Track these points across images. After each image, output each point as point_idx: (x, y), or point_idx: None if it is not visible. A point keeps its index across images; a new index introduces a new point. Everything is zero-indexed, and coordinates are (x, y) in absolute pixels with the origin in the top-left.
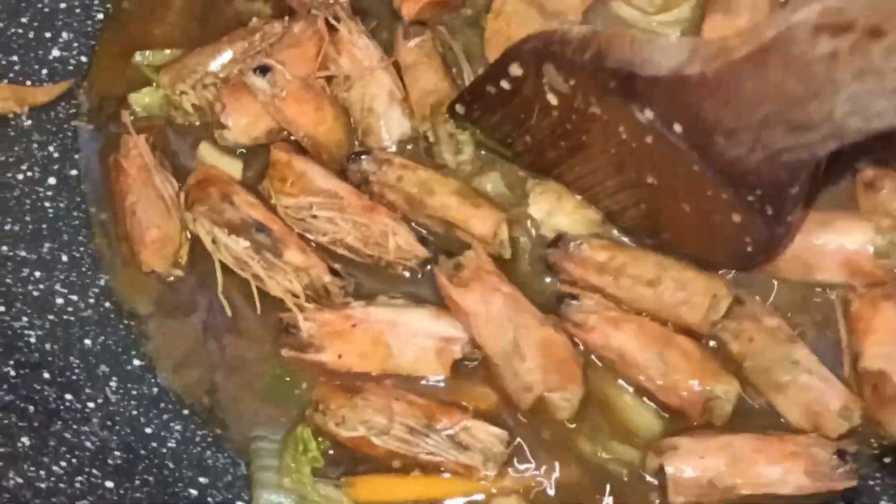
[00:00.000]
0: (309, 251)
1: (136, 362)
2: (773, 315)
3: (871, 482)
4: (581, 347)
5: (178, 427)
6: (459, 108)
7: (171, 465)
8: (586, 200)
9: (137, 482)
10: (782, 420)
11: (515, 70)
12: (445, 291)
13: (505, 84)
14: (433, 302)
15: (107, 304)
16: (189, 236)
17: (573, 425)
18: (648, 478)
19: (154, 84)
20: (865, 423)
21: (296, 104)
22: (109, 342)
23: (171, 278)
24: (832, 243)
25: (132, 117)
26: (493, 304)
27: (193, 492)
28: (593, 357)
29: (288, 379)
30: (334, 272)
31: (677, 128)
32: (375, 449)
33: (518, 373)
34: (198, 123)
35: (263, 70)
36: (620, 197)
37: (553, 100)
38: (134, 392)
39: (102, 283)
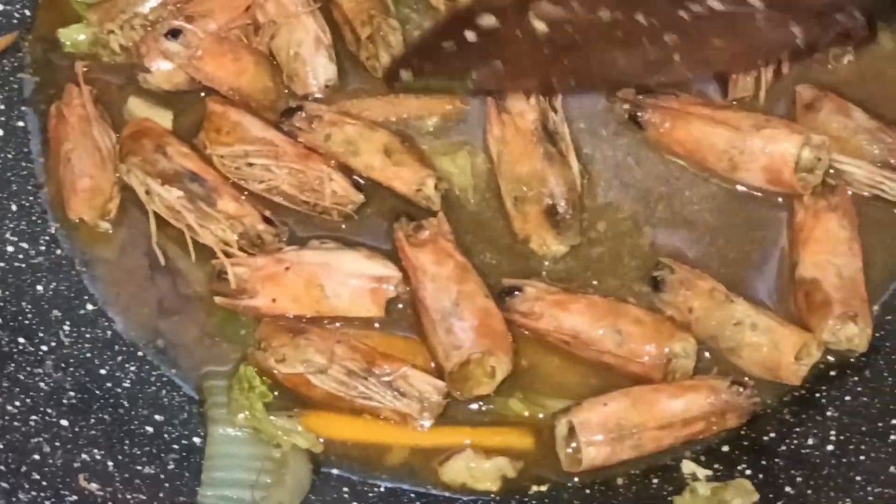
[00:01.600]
0: (242, 200)
1: (89, 307)
2: (704, 277)
3: (817, 394)
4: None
5: (132, 368)
6: (405, 75)
7: (126, 404)
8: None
9: (93, 420)
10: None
11: (487, 20)
12: (400, 245)
13: (470, 35)
14: (366, 247)
15: (58, 252)
16: (118, 191)
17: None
18: (562, 453)
19: (84, 21)
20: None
21: (212, 59)
22: (62, 287)
23: (100, 230)
24: (759, 145)
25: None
26: (443, 266)
27: (149, 429)
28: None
29: (238, 319)
30: (268, 220)
31: None
32: (313, 389)
33: (452, 329)
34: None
35: (174, 33)
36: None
37: (542, 27)
38: (87, 335)
39: (53, 230)
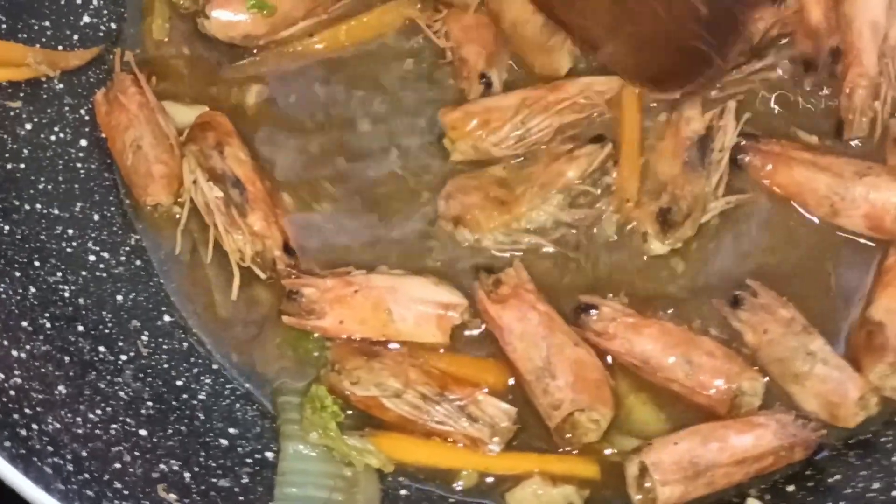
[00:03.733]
0: (273, 223)
1: (167, 318)
2: (788, 307)
3: (882, 439)
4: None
5: (208, 381)
6: None
7: (201, 417)
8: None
9: (170, 431)
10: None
11: None
12: (483, 306)
13: None
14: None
15: (137, 263)
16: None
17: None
18: (634, 494)
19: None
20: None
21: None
22: (140, 298)
23: (176, 216)
24: (862, 193)
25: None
26: (528, 322)
27: (224, 441)
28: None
29: (310, 338)
30: (288, 249)
31: None
32: (386, 412)
33: (548, 390)
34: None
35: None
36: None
37: None
38: (165, 346)
39: (133, 241)
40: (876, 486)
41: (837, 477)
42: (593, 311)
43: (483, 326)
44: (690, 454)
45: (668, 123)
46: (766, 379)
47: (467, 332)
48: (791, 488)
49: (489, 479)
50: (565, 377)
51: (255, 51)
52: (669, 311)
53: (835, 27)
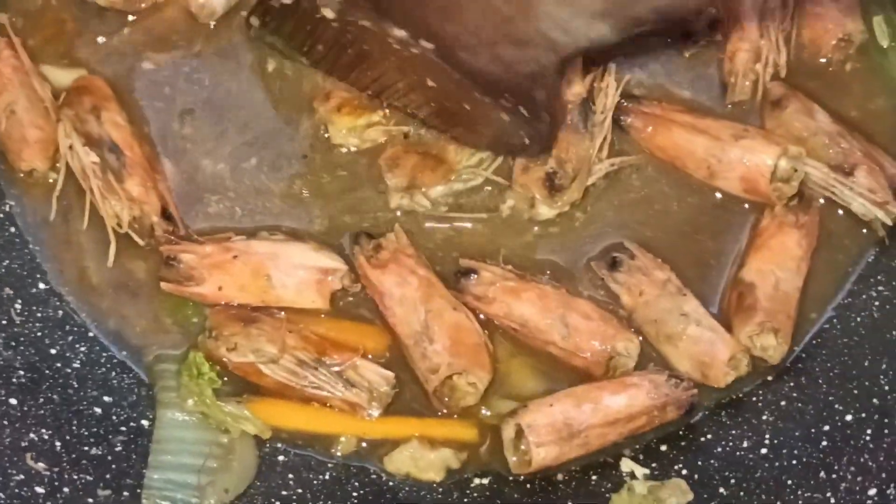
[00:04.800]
0: (150, 188)
1: (41, 286)
2: (663, 268)
3: (753, 398)
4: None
5: (83, 349)
6: (254, 21)
7: (75, 385)
8: (384, 101)
9: (41, 400)
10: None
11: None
12: (363, 270)
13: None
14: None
15: (11, 230)
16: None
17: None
18: (511, 456)
19: None
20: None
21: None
22: (14, 266)
23: (51, 181)
24: (738, 155)
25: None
26: (407, 286)
27: (98, 410)
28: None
29: (189, 305)
30: (166, 215)
31: (426, 44)
32: (263, 378)
33: (426, 354)
34: None
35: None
36: (412, 97)
37: (329, 13)
38: (39, 314)
39: (7, 208)
40: (745, 444)
41: (709, 436)
42: (473, 276)
43: (362, 290)
44: (565, 416)
45: None
46: (641, 340)
47: (350, 298)
48: (664, 448)
49: (367, 444)
50: (443, 341)
51: (132, 15)
52: (550, 274)
53: None
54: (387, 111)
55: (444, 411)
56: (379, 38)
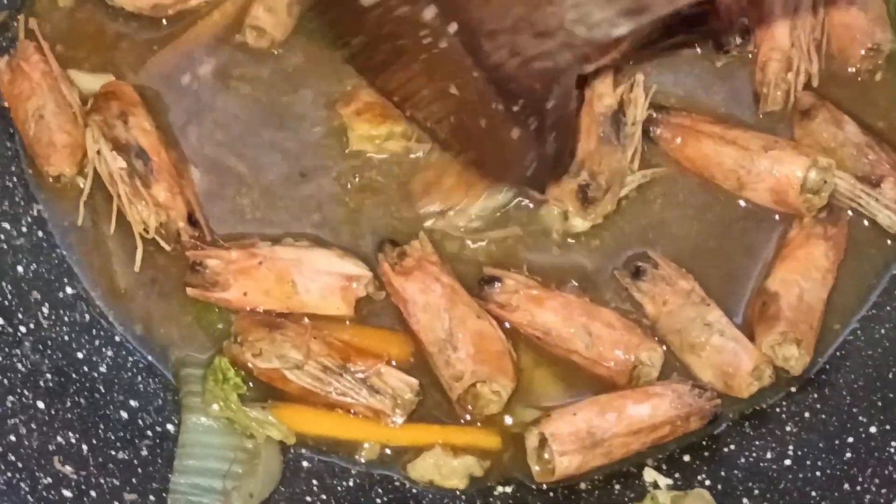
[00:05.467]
0: (177, 194)
1: (69, 290)
2: (687, 278)
3: (777, 409)
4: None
5: (109, 353)
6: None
7: (102, 389)
8: (409, 112)
9: (69, 404)
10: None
11: None
12: (387, 278)
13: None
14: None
15: (39, 234)
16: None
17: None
18: (534, 465)
19: None
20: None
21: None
22: (42, 270)
23: (80, 186)
24: (767, 166)
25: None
26: (431, 294)
27: (124, 414)
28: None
29: (214, 311)
30: (192, 221)
31: (453, 27)
32: (288, 384)
33: (450, 361)
34: None
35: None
36: (434, 108)
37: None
38: (66, 318)
39: (35, 212)
40: (769, 455)
41: (732, 447)
42: (497, 283)
43: (386, 297)
44: (588, 424)
45: (581, 101)
46: (665, 349)
47: (371, 305)
48: (687, 458)
49: (391, 451)
50: (467, 349)
51: (163, 21)
52: (574, 283)
53: (746, 6)
54: (407, 127)
55: (468, 419)
56: (412, 30)
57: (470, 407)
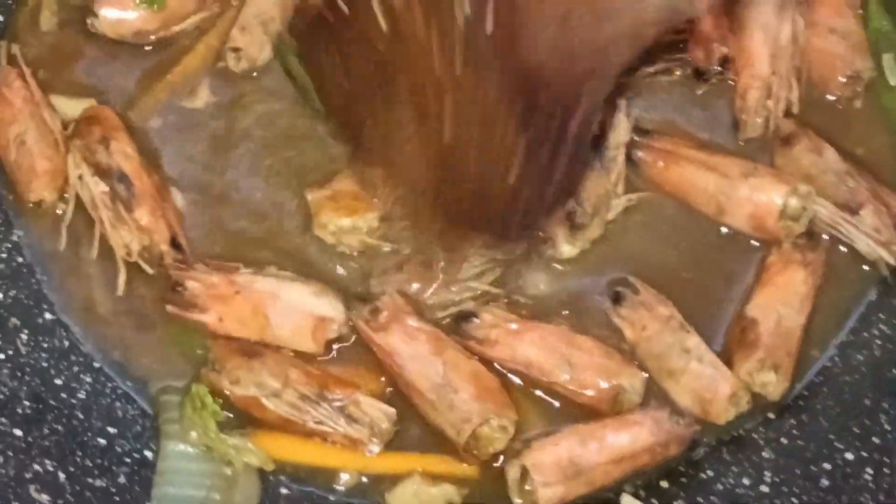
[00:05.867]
0: (160, 217)
1: (48, 316)
2: (666, 304)
3: (754, 435)
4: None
5: (88, 379)
6: (298, 22)
7: (80, 416)
8: (389, 183)
9: (46, 431)
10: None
11: None
12: (366, 335)
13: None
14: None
15: (19, 259)
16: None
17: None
18: (516, 498)
19: None
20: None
21: None
22: (21, 296)
23: (59, 211)
24: (746, 193)
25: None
26: (417, 343)
27: (102, 441)
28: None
29: (194, 336)
30: (175, 244)
31: (489, 24)
32: (266, 412)
33: (453, 405)
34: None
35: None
36: (415, 170)
37: (384, 24)
38: (45, 345)
39: (15, 238)
40: (745, 481)
41: (710, 473)
42: (474, 319)
43: (355, 337)
44: (570, 454)
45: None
46: (646, 375)
47: (343, 345)
48: (665, 484)
49: (369, 479)
50: (468, 390)
51: (146, 47)
52: (553, 310)
53: (726, 35)
54: (376, 223)
55: (474, 461)
56: (421, 55)
57: (475, 452)
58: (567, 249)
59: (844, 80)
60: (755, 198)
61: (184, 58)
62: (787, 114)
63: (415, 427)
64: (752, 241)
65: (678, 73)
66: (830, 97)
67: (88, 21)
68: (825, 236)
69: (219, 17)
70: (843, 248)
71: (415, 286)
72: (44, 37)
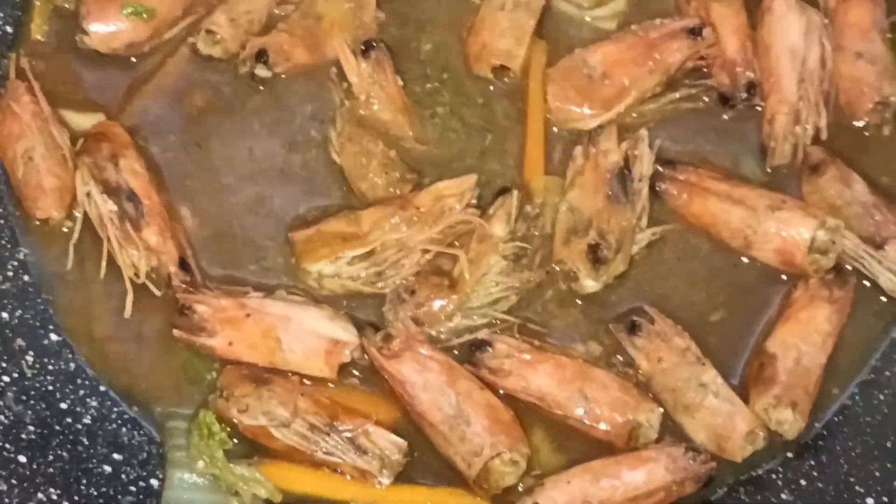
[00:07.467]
0: (168, 238)
1: (53, 337)
2: (683, 336)
3: (773, 476)
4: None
5: (94, 403)
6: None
7: (85, 442)
8: None
9: (51, 457)
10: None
11: None
12: (378, 363)
13: None
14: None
15: (25, 278)
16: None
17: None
18: None
19: None
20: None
21: None
22: (27, 316)
23: (66, 229)
24: (774, 227)
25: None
26: (429, 372)
27: (107, 468)
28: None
29: (202, 362)
30: (184, 265)
31: None
32: (274, 441)
33: (465, 437)
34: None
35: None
36: None
37: None
38: (50, 367)
39: (21, 256)
40: None
41: None
42: (487, 348)
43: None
44: (583, 493)
45: (586, 158)
46: (661, 410)
47: (356, 367)
48: None
49: None
50: (481, 422)
51: (143, 58)
52: (578, 343)
53: (751, 59)
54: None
55: (484, 496)
56: None
57: (485, 486)
58: (591, 285)
59: (872, 106)
60: (783, 231)
61: (168, 60)
62: (815, 140)
63: (426, 458)
64: (780, 275)
65: (704, 99)
66: (857, 123)
67: (78, 38)
68: (852, 274)
69: (204, 19)
70: (866, 283)
71: (428, 312)
72: (50, 50)
